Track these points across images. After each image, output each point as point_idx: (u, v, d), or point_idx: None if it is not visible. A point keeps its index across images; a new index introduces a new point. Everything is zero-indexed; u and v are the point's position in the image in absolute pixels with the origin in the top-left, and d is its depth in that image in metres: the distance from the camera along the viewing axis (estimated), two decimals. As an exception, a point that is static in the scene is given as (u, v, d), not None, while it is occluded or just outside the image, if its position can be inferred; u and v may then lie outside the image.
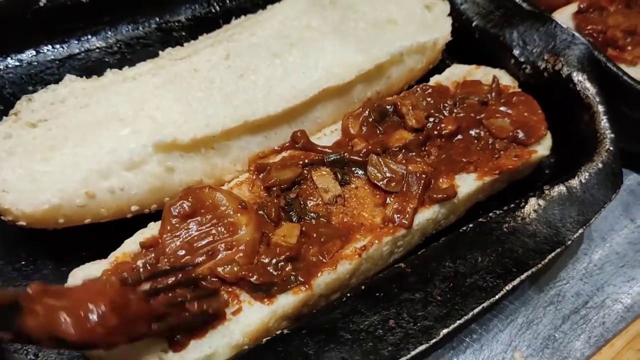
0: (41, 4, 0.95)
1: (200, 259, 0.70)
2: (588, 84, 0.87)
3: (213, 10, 1.11)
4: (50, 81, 0.95)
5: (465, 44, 1.01)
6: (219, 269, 0.69)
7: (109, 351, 0.60)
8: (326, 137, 0.87)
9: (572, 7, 1.08)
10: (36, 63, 0.97)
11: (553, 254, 0.73)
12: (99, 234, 0.77)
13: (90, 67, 0.98)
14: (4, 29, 0.93)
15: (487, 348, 0.79)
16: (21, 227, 0.73)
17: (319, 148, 0.84)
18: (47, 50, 0.99)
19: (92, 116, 0.79)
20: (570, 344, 0.81)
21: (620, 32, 1.00)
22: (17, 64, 0.96)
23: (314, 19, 0.94)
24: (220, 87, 0.83)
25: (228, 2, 1.12)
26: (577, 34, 0.92)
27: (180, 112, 0.80)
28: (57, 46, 0.99)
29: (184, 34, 1.06)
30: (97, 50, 1.01)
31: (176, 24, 1.07)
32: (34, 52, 0.98)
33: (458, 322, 0.66)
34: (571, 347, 0.80)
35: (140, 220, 0.77)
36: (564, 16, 1.06)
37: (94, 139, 0.76)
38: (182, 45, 0.98)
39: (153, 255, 0.72)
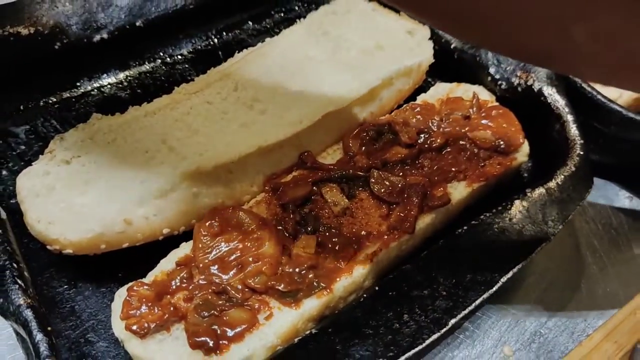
0: (56, 46, 1.03)
1: (232, 272, 0.79)
2: (557, 97, 0.99)
3: (212, 43, 1.19)
4: (69, 117, 1.03)
5: (445, 65, 1.12)
6: (249, 280, 0.78)
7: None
8: (330, 156, 0.97)
9: None
10: (52, 101, 1.05)
11: (539, 248, 0.84)
12: (131, 257, 0.85)
13: (105, 102, 1.05)
14: (26, 72, 1.01)
15: (479, 343, 0.88)
16: (65, 255, 0.80)
17: (325, 166, 0.94)
18: (63, 89, 1.06)
19: (120, 150, 0.87)
20: (555, 339, 0.89)
21: None
22: (33, 101, 1.04)
23: (310, 49, 1.03)
24: (234, 117, 0.92)
25: (225, 34, 1.21)
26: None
27: (199, 142, 0.89)
28: (67, 83, 1.07)
29: (187, 66, 1.14)
30: (109, 86, 1.09)
31: (179, 57, 1.16)
32: (45, 90, 1.05)
33: (463, 312, 0.76)
34: (556, 342, 0.89)
35: (169, 242, 0.85)
36: None
37: (125, 172, 0.84)
38: (187, 76, 1.06)
39: (186, 271, 0.80)
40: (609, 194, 1.09)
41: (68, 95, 1.06)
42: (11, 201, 0.88)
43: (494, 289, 0.79)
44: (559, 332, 0.90)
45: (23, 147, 0.97)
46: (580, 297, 0.94)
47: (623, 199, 1.08)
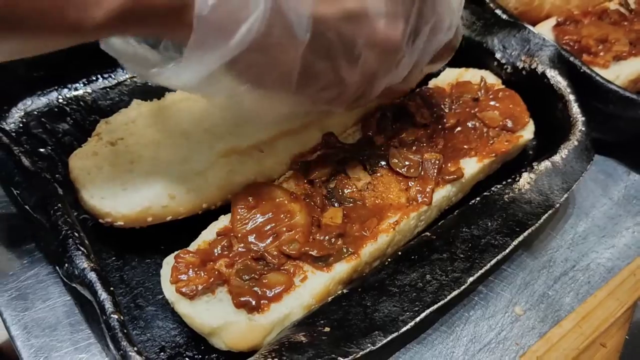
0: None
1: (268, 240, 0.87)
2: (559, 78, 1.07)
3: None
4: (105, 106, 1.10)
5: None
6: (284, 247, 0.86)
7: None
8: (350, 137, 1.05)
9: (552, 21, 1.26)
10: (90, 91, 1.12)
11: (546, 215, 0.92)
12: (172, 232, 0.93)
13: (137, 90, 1.13)
14: (60, 63, 1.08)
15: (492, 304, 0.96)
16: (115, 227, 0.88)
17: (347, 146, 1.02)
18: (97, 79, 1.14)
19: (160, 132, 0.94)
20: (562, 299, 0.97)
21: (593, 40, 1.17)
22: (75, 93, 1.11)
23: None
24: (263, 100, 1.00)
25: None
26: (546, 38, 1.11)
27: (232, 124, 0.97)
28: (106, 75, 1.14)
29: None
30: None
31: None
32: (85, 82, 1.13)
33: (480, 271, 0.84)
34: (562, 302, 0.97)
35: (207, 217, 0.93)
36: (544, 29, 1.23)
37: (166, 151, 0.92)
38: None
39: (226, 240, 0.88)
40: (608, 169, 1.17)
41: (102, 85, 1.13)
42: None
43: (507, 251, 0.87)
44: (565, 293, 0.98)
45: (68, 133, 1.05)
46: (582, 262, 1.02)
47: (621, 173, 1.16)
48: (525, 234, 0.89)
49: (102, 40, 0.76)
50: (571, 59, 1.09)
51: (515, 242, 0.88)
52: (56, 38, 0.64)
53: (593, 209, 1.10)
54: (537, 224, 0.90)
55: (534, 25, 1.21)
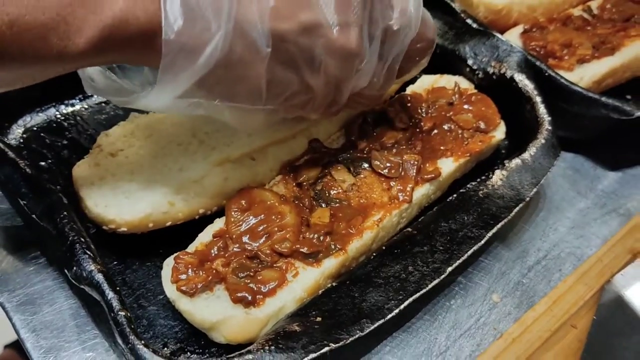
0: (88, 58, 1.16)
1: (261, 240, 0.94)
2: (527, 82, 1.14)
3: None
4: (100, 120, 1.16)
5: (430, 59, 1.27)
6: (276, 246, 0.92)
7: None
8: (334, 142, 1.11)
9: (519, 28, 1.34)
10: (86, 107, 1.18)
11: (517, 208, 0.99)
12: (170, 236, 0.99)
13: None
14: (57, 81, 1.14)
15: (472, 293, 1.02)
16: (118, 234, 0.94)
17: (332, 150, 1.08)
18: (93, 96, 1.20)
19: (158, 144, 1.01)
20: (535, 286, 1.04)
21: (558, 45, 1.25)
22: (72, 109, 1.17)
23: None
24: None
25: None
26: (514, 45, 1.20)
27: (225, 135, 1.03)
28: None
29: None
30: (133, 91, 1.23)
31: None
32: (81, 98, 1.19)
33: (458, 262, 0.91)
34: (536, 289, 1.04)
35: (202, 222, 0.99)
36: (512, 36, 1.31)
37: (164, 161, 0.98)
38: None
39: (222, 242, 0.94)
40: (576, 165, 1.25)
41: (98, 100, 1.19)
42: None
43: (482, 242, 0.94)
44: (538, 281, 1.05)
45: (66, 144, 1.11)
46: (554, 251, 1.10)
47: (588, 168, 1.24)
48: (499, 226, 0.96)
49: (81, 74, 0.82)
50: (537, 63, 1.17)
51: (489, 234, 0.95)
52: (41, 68, 0.69)
53: (563, 202, 1.18)
54: (509, 217, 0.98)
55: (502, 32, 1.29)
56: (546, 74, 1.16)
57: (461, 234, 0.96)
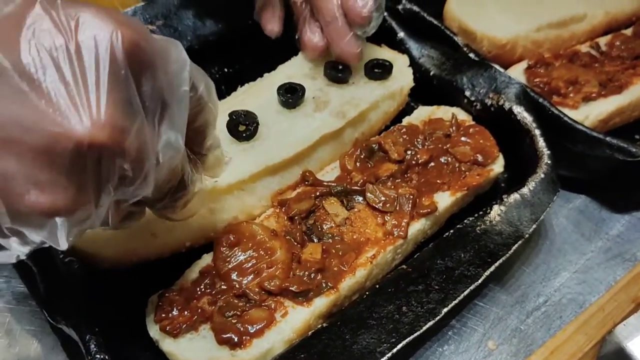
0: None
1: (249, 277, 0.90)
2: (525, 114, 1.12)
3: (215, 78, 1.32)
4: None
5: (426, 90, 1.25)
6: (265, 284, 0.89)
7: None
8: (328, 174, 1.09)
9: (523, 64, 1.30)
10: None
11: (516, 245, 0.96)
12: (155, 272, 0.95)
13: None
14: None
15: (466, 339, 0.98)
16: (102, 268, 0.90)
17: (325, 183, 1.05)
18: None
19: (144, 174, 0.98)
20: (534, 334, 1.00)
21: (563, 82, 1.21)
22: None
23: (304, 80, 1.16)
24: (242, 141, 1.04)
25: (225, 69, 1.34)
26: (512, 76, 1.17)
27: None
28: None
29: (193, 99, 1.26)
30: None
31: (185, 91, 1.28)
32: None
33: (454, 302, 0.88)
34: (534, 337, 0.99)
35: (190, 256, 0.96)
36: (516, 72, 1.28)
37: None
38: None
39: (209, 279, 0.91)
40: (580, 206, 1.20)
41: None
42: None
43: (479, 281, 0.91)
44: (537, 328, 1.00)
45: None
46: (554, 297, 1.05)
47: (593, 210, 1.19)
48: (497, 264, 0.93)
49: None
50: (540, 100, 1.14)
51: (487, 273, 0.91)
52: None
53: (566, 245, 1.13)
54: (507, 255, 0.94)
55: (506, 68, 1.26)
56: (549, 112, 1.12)
57: (457, 272, 0.92)
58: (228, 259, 0.92)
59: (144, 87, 0.60)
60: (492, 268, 0.92)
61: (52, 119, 0.54)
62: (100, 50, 0.56)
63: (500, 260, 0.93)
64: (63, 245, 0.61)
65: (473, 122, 1.17)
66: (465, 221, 1.00)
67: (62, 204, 0.57)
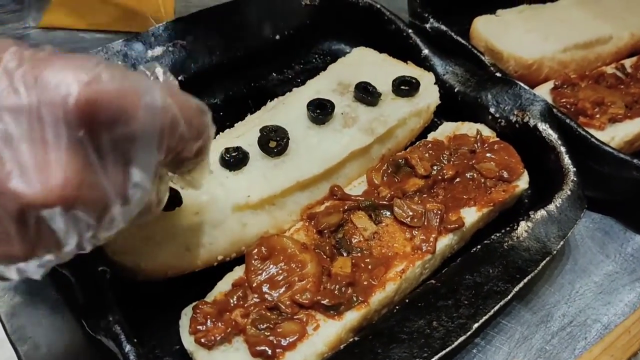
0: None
1: (281, 290, 0.92)
2: (550, 131, 1.13)
3: (242, 92, 1.34)
4: None
5: (450, 106, 1.27)
6: (297, 297, 0.90)
7: None
8: (355, 188, 1.10)
9: (549, 84, 1.32)
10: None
11: (544, 262, 0.97)
12: (187, 284, 0.97)
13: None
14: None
15: (491, 357, 0.99)
16: (137, 280, 0.92)
17: (353, 197, 1.07)
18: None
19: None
20: (559, 354, 1.00)
21: (589, 103, 1.23)
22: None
23: (333, 96, 1.18)
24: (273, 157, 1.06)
25: (252, 84, 1.36)
26: (537, 93, 1.19)
27: (246, 179, 1.02)
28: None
29: (221, 114, 1.28)
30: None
31: (214, 106, 1.30)
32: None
33: (484, 317, 0.89)
34: (560, 357, 1.00)
35: (221, 269, 0.97)
36: (542, 92, 1.29)
37: (182, 208, 0.97)
38: (222, 122, 1.21)
39: (241, 291, 0.93)
40: (605, 227, 1.21)
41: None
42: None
43: (508, 297, 0.92)
44: (562, 349, 1.01)
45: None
46: (579, 317, 1.06)
47: (618, 231, 1.20)
48: (526, 280, 0.94)
49: None
50: (567, 120, 1.15)
51: (516, 289, 0.92)
52: None
53: (590, 265, 1.14)
54: (536, 271, 0.95)
55: (532, 88, 1.27)
56: (576, 132, 1.14)
57: (486, 287, 0.93)
58: (260, 272, 0.93)
59: (106, 140, 0.59)
60: (521, 284, 0.93)
61: (1, 180, 0.54)
62: (56, 111, 0.55)
63: (529, 277, 0.94)
64: (37, 276, 0.63)
65: (497, 139, 1.19)
66: (493, 237, 1.01)
67: (18, 254, 0.59)
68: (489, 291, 0.92)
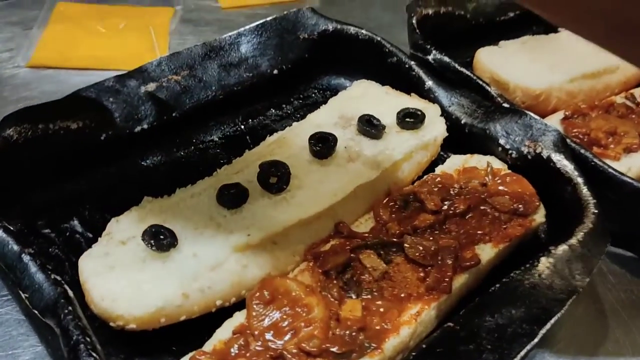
0: (102, 137, 1.11)
1: (286, 337, 0.84)
2: (565, 162, 1.08)
3: (239, 129, 1.29)
4: (119, 199, 1.07)
5: (457, 139, 1.22)
6: (304, 344, 0.82)
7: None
8: (362, 225, 1.04)
9: (559, 114, 1.29)
10: (96, 188, 1.11)
11: (570, 301, 0.90)
12: (184, 332, 0.89)
13: (146, 185, 1.11)
14: (74, 162, 1.08)
15: None
16: (125, 330, 0.84)
17: (360, 234, 1.00)
18: (103, 174, 1.13)
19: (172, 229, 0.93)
20: None
21: (603, 133, 1.20)
22: (82, 189, 1.10)
23: (335, 130, 1.13)
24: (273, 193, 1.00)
25: (250, 121, 1.31)
26: (548, 123, 1.14)
27: (244, 217, 0.96)
28: (112, 169, 1.14)
29: (218, 151, 1.23)
30: (147, 171, 1.17)
31: (210, 143, 1.25)
32: (93, 177, 1.12)
33: (511, 363, 0.81)
34: None
35: (219, 316, 0.89)
36: (552, 122, 1.25)
37: (178, 247, 0.90)
38: (219, 160, 1.15)
39: (243, 339, 0.85)
40: (628, 262, 1.14)
41: (112, 181, 1.13)
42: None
43: (536, 340, 0.84)
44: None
45: (76, 232, 1.03)
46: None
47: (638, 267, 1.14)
48: (552, 321, 0.86)
49: None
50: (582, 151, 1.11)
51: (543, 330, 0.85)
52: None
53: (617, 304, 1.07)
54: (562, 311, 0.88)
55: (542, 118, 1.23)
56: (592, 163, 1.09)
57: (510, 330, 0.85)
58: (262, 317, 0.86)
59: None
60: (548, 325, 0.85)
61: None
62: None
63: (556, 317, 0.87)
64: None
65: (509, 171, 1.13)
66: (512, 274, 0.94)
67: None
68: (513, 334, 0.84)
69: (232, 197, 0.97)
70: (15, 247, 0.85)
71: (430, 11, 1.48)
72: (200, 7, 1.74)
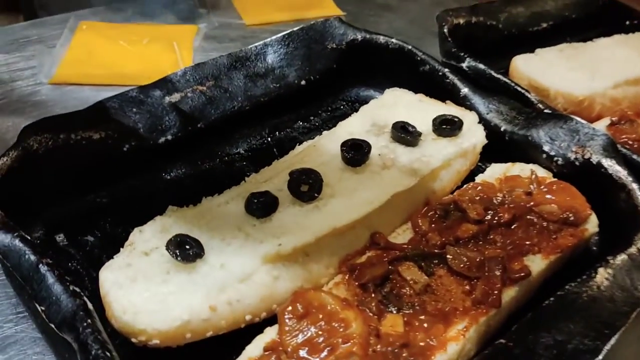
0: (125, 148, 1.07)
1: (323, 354, 0.76)
2: (618, 167, 1.00)
3: (266, 142, 1.24)
4: (141, 212, 1.02)
5: (497, 147, 1.15)
6: (342, 363, 0.75)
7: None
8: (400, 236, 0.97)
9: (605, 121, 1.24)
10: (118, 199, 1.07)
11: (634, 313, 0.81)
12: (210, 350, 0.82)
13: (169, 198, 1.05)
14: (97, 173, 1.04)
15: None
16: (151, 347, 0.78)
17: (398, 245, 0.93)
18: (125, 186, 1.09)
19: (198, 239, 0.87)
20: None
21: None
22: (103, 201, 1.06)
23: (368, 137, 1.07)
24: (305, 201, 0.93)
25: (277, 133, 1.26)
26: (596, 127, 1.07)
27: (274, 227, 0.90)
28: (135, 182, 1.09)
29: (244, 163, 1.18)
30: (171, 183, 1.12)
31: (236, 155, 1.20)
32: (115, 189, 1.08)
33: (576, 383, 0.73)
34: None
35: (248, 331, 0.83)
36: (599, 128, 1.17)
37: (205, 258, 0.84)
38: (245, 172, 1.09)
39: (275, 356, 0.77)
40: None
41: (134, 194, 1.08)
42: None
43: (600, 357, 0.76)
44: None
45: (98, 242, 0.99)
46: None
47: None
48: (617, 336, 0.78)
49: None
50: (634, 156, 1.06)
51: (607, 346, 0.76)
52: None
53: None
54: (627, 324, 0.79)
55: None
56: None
57: (570, 346, 0.77)
58: (296, 333, 0.79)
59: None
60: (613, 340, 0.77)
61: None
62: None
63: (621, 331, 0.78)
64: None
65: (555, 179, 1.06)
66: (567, 287, 0.86)
67: None
68: (574, 350, 0.76)
69: (262, 206, 0.91)
70: (33, 258, 0.80)
71: (461, 21, 1.44)
72: (225, 24, 1.72)
